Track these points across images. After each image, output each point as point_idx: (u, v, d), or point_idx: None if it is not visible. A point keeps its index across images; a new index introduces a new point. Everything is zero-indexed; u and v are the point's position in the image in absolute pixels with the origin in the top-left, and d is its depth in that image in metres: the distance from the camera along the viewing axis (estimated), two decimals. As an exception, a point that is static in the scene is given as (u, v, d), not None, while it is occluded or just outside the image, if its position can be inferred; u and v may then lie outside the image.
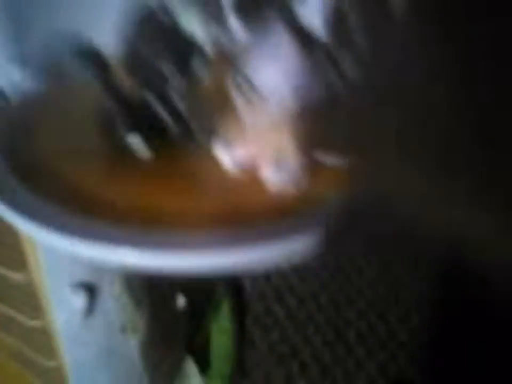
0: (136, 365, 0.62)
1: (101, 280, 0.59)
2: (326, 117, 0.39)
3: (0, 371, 0.81)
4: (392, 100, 0.32)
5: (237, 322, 0.69)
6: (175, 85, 0.42)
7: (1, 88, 0.53)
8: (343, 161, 0.39)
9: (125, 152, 0.44)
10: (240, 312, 0.69)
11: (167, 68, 0.42)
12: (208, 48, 0.42)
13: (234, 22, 0.41)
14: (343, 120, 0.36)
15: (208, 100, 0.45)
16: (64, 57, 0.47)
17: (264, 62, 0.38)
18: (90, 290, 0.59)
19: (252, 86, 0.38)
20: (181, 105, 0.43)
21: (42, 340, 0.66)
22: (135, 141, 0.43)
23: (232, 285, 0.70)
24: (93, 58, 0.43)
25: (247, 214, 0.37)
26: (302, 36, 0.37)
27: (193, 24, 0.41)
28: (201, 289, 0.67)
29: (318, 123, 0.39)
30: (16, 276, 0.62)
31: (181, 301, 0.64)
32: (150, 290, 0.60)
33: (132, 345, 0.62)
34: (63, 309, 0.58)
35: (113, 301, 0.60)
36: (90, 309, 0.59)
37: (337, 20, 0.37)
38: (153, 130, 0.43)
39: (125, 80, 0.44)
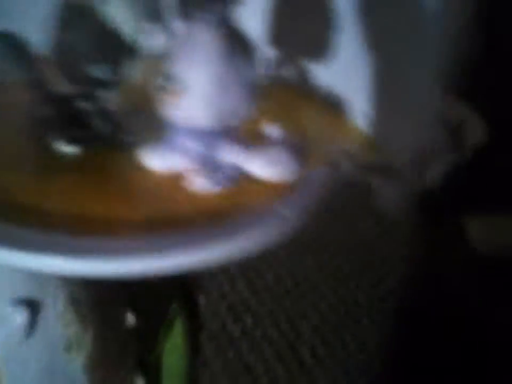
0: (81, 385, 0.59)
1: (43, 296, 0.56)
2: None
3: None
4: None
5: (191, 341, 0.67)
6: (105, 87, 0.41)
7: None
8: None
9: (54, 157, 0.43)
10: (194, 330, 0.68)
11: (96, 69, 0.40)
12: (137, 47, 0.41)
13: (170, 21, 0.40)
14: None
15: (138, 103, 0.45)
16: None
17: (191, 62, 0.37)
18: (32, 306, 0.56)
19: (178, 87, 0.37)
20: (112, 109, 0.42)
21: (-20, 358, 0.63)
22: (66, 147, 0.42)
23: (186, 303, 0.68)
24: (18, 51, 0.41)
25: (177, 219, 0.37)
26: (232, 37, 0.37)
27: (121, 19, 0.40)
28: (153, 307, 0.65)
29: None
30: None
31: (130, 319, 0.61)
32: (96, 307, 0.58)
33: (77, 364, 0.59)
34: (3, 326, 0.55)
35: (57, 317, 0.57)
36: (31, 325, 0.56)
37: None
38: (82, 134, 0.42)
39: (52, 78, 0.43)
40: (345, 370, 0.63)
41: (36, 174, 0.43)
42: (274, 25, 0.53)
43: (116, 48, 0.41)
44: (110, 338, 0.61)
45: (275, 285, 0.71)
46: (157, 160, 0.41)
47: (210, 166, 0.40)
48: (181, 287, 0.69)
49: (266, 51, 0.51)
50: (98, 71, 0.41)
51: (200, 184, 0.40)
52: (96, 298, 0.60)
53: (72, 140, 0.43)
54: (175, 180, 0.41)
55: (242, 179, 0.42)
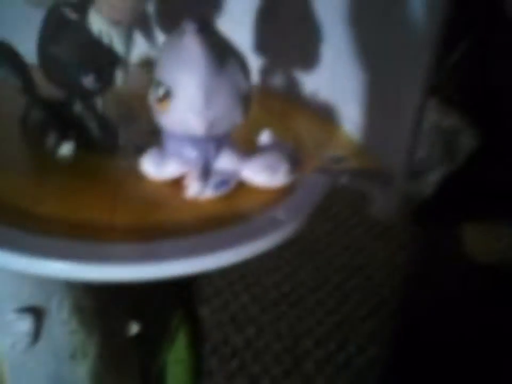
0: (86, 393, 0.59)
1: (48, 303, 0.56)
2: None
3: None
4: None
5: (194, 352, 0.68)
6: (90, 94, 0.42)
7: None
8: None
9: (49, 160, 0.44)
10: (197, 341, 0.68)
11: (80, 78, 0.41)
12: (120, 55, 0.42)
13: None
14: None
15: (133, 110, 0.46)
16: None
17: (178, 70, 0.37)
18: (37, 314, 0.56)
19: (166, 95, 0.38)
20: (106, 114, 0.43)
21: (-15, 367, 0.63)
22: (61, 149, 0.43)
23: (190, 314, 0.68)
24: (9, 57, 0.42)
25: (172, 225, 0.38)
26: (220, 46, 0.38)
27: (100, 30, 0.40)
28: (157, 317, 0.66)
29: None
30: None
31: (133, 328, 0.62)
32: (101, 315, 0.58)
33: (82, 372, 0.59)
34: (8, 334, 0.56)
35: (62, 325, 0.58)
36: (36, 333, 0.57)
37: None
38: (76, 136, 0.43)
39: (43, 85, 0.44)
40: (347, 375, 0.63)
41: (31, 178, 0.44)
42: (261, 35, 0.54)
43: (99, 58, 0.42)
44: (114, 346, 0.61)
45: (274, 290, 0.71)
46: (152, 166, 0.42)
47: (205, 172, 0.41)
48: (184, 297, 0.69)
49: (254, 60, 0.52)
50: (82, 80, 0.42)
51: (195, 190, 0.40)
52: (100, 306, 0.60)
53: (66, 142, 0.44)
54: (170, 185, 0.42)
55: (237, 185, 0.43)
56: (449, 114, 0.75)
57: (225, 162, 0.41)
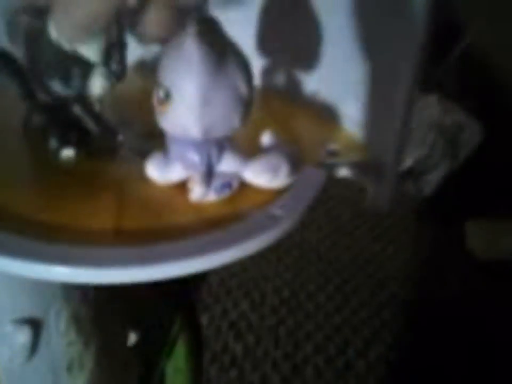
0: (84, 405, 0.59)
1: (46, 315, 0.56)
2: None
3: None
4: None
5: (194, 361, 0.67)
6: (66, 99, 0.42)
7: None
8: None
9: (51, 164, 0.44)
10: (197, 350, 0.67)
11: (53, 83, 0.41)
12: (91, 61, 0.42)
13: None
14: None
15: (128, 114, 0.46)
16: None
17: (177, 73, 0.37)
18: (35, 326, 0.56)
19: (166, 98, 0.38)
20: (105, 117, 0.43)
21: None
22: (62, 151, 0.42)
23: (189, 322, 0.68)
24: (7, 64, 0.42)
25: (173, 230, 0.38)
26: (221, 46, 0.37)
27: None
28: (155, 326, 0.65)
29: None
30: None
31: (132, 338, 0.61)
32: (98, 325, 0.58)
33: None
34: (5, 346, 0.55)
35: (59, 336, 0.57)
36: (34, 345, 0.56)
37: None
38: (78, 137, 0.42)
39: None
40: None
41: (33, 184, 0.44)
42: (263, 35, 0.55)
43: (70, 64, 0.41)
44: (112, 357, 0.61)
45: (273, 296, 0.71)
46: (156, 171, 0.42)
47: (208, 175, 0.41)
48: (183, 305, 0.69)
49: (256, 60, 0.52)
50: (55, 85, 0.42)
51: (199, 193, 0.40)
52: (98, 316, 0.60)
53: (67, 146, 0.44)
54: (173, 188, 0.42)
55: (239, 186, 0.43)
56: (451, 111, 0.75)
57: (227, 165, 0.41)
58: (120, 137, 0.46)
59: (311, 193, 0.43)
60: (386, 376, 0.60)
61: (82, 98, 0.43)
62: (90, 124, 0.44)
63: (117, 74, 0.43)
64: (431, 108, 0.75)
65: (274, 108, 0.54)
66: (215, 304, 0.70)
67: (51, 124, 0.44)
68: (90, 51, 0.41)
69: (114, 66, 0.42)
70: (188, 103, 0.37)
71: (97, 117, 0.45)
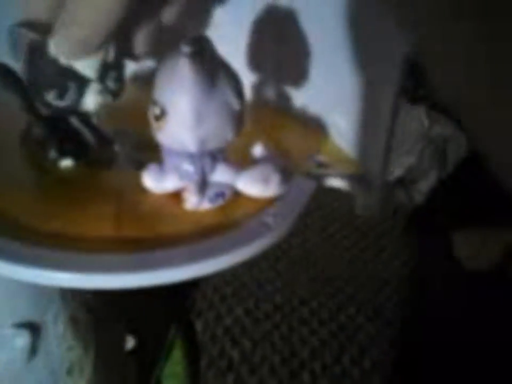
0: (83, 409, 0.59)
1: (44, 319, 0.57)
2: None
3: None
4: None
5: (190, 367, 0.68)
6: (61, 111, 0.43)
7: None
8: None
9: (50, 174, 0.45)
10: (193, 355, 0.68)
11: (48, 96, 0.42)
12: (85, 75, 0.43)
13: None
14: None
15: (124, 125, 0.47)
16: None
17: (170, 87, 0.39)
18: (34, 330, 0.57)
19: (160, 112, 0.39)
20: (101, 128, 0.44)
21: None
22: (63, 163, 0.44)
23: (185, 328, 0.69)
24: (7, 77, 0.43)
25: (168, 237, 0.39)
26: (212, 62, 0.39)
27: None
28: (152, 331, 0.66)
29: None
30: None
31: (130, 342, 0.62)
32: (96, 330, 0.59)
33: (79, 388, 0.59)
34: (4, 350, 0.56)
35: (59, 341, 0.58)
36: (33, 349, 0.57)
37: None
38: (76, 147, 0.44)
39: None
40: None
41: (32, 192, 0.45)
42: (253, 51, 0.56)
43: (67, 78, 0.42)
44: (110, 361, 0.62)
45: (265, 302, 0.72)
46: (152, 181, 0.43)
47: (202, 185, 0.42)
48: (179, 311, 0.70)
49: (246, 76, 0.53)
50: (51, 98, 0.43)
51: (193, 203, 0.42)
52: (96, 321, 0.61)
53: (65, 156, 0.45)
54: (168, 198, 0.43)
55: (232, 195, 0.44)
56: (438, 122, 0.77)
57: (221, 175, 0.43)
58: (117, 148, 0.48)
59: (302, 201, 0.45)
60: (385, 379, 0.61)
61: (79, 111, 0.45)
62: (87, 135, 0.46)
63: (113, 92, 0.44)
64: (417, 119, 0.76)
65: (265, 121, 0.55)
66: (209, 310, 0.71)
67: (50, 136, 0.45)
68: (87, 67, 0.42)
69: (111, 84, 0.44)
70: (183, 119, 0.39)
71: (94, 129, 0.46)
